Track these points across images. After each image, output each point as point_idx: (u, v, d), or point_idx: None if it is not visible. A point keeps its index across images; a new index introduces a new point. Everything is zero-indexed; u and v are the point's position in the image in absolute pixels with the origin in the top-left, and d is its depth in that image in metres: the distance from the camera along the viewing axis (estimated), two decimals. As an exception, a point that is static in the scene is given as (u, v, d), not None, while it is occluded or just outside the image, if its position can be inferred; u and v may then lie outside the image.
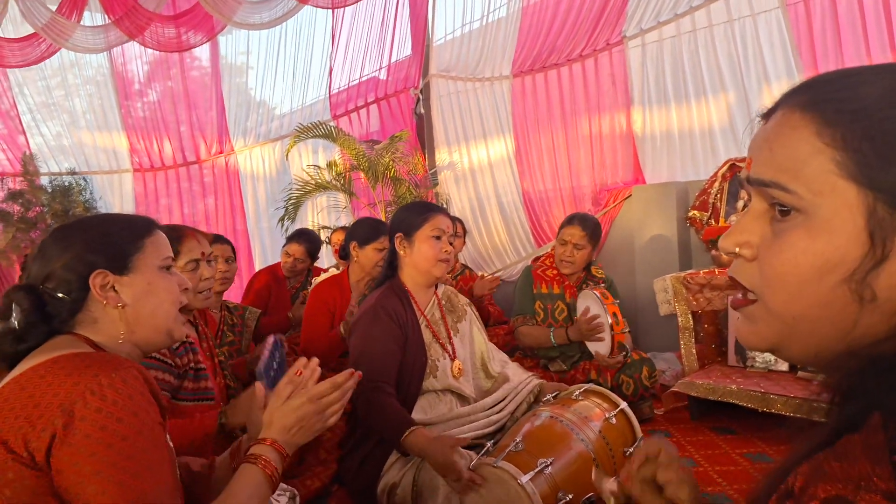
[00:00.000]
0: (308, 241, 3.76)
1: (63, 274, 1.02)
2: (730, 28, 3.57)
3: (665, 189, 3.78)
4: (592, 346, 2.72)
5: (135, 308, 1.05)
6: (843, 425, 0.47)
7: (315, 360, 1.23)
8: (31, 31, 5.18)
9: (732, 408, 2.59)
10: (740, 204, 3.36)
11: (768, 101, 0.60)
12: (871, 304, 0.48)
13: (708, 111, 3.71)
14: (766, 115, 0.56)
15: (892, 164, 0.46)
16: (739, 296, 0.57)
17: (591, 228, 2.92)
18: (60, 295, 1.02)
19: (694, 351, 2.95)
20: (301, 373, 1.19)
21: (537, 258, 3.20)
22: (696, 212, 3.57)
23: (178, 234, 1.82)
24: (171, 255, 1.15)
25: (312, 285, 3.40)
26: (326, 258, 5.32)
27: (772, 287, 0.52)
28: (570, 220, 2.96)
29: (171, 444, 1.10)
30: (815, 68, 3.23)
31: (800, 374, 2.57)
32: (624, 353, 2.68)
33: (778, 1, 3.34)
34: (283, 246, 3.75)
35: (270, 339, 2.01)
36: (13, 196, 5.71)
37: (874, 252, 0.47)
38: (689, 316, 2.97)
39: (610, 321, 2.55)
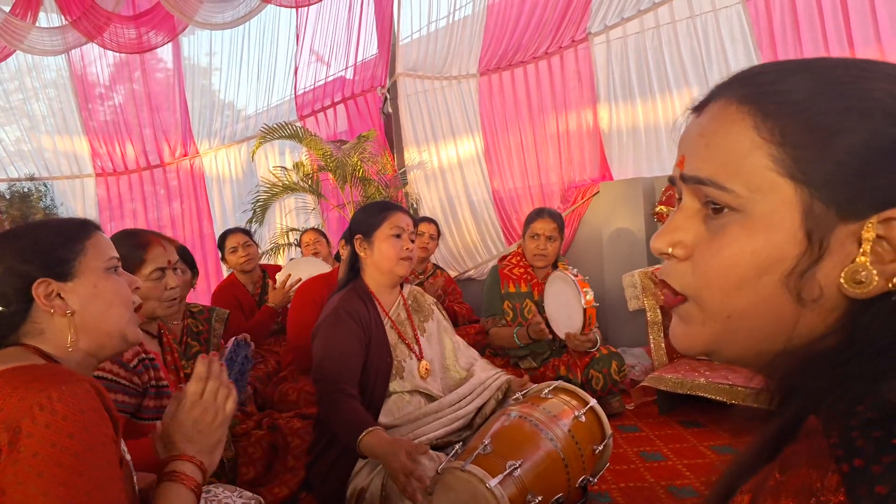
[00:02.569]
0: (240, 230, 3.54)
1: (0, 287, 0.98)
2: (692, 24, 3.60)
3: (632, 185, 3.81)
4: (562, 328, 2.72)
5: (83, 314, 1.01)
6: (785, 432, 0.46)
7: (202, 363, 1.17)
8: (-18, 32, 5.00)
9: (700, 401, 2.61)
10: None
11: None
12: (809, 302, 0.47)
13: (672, 106, 3.75)
14: (698, 109, 0.54)
15: (828, 159, 0.45)
16: (671, 293, 0.55)
17: (559, 221, 2.96)
18: (0, 308, 0.97)
19: (663, 345, 2.97)
20: (181, 388, 1.15)
21: (503, 258, 3.20)
22: (662, 207, 3.60)
23: (143, 242, 1.76)
24: (116, 255, 1.10)
25: (271, 285, 3.33)
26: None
27: (709, 287, 0.50)
28: (539, 214, 2.97)
29: (129, 457, 1.07)
30: (776, 62, 3.28)
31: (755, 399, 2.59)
32: (595, 336, 2.67)
33: (738, -4, 3.39)
34: (222, 251, 3.48)
35: (231, 341, 1.96)
36: (-31, 203, 5.55)
37: (811, 250, 0.46)
38: (658, 311, 2.99)
39: (581, 298, 2.56)
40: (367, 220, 2.06)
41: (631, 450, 2.39)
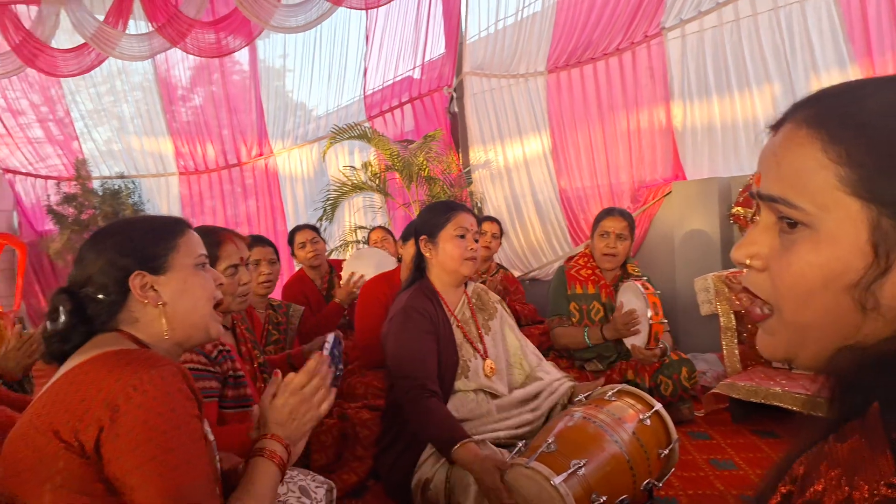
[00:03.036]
0: (308, 226, 3.69)
1: (100, 278, 1.06)
2: (775, 16, 3.43)
3: (707, 185, 3.67)
4: (628, 341, 2.65)
5: (173, 306, 1.08)
6: (844, 416, 0.49)
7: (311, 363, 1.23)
8: (81, 41, 5.39)
9: (776, 410, 2.49)
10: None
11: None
12: (874, 311, 0.50)
13: (752, 103, 3.58)
14: (775, 127, 0.58)
15: (894, 178, 0.48)
16: (758, 310, 0.59)
17: (630, 220, 2.89)
18: (100, 297, 1.06)
19: (736, 352, 2.85)
20: (278, 374, 1.22)
21: (570, 258, 3.14)
22: (739, 208, 3.45)
23: (217, 239, 1.83)
24: (205, 252, 1.17)
25: (337, 282, 3.43)
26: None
27: (783, 297, 0.55)
28: (608, 212, 2.91)
29: (212, 437, 1.14)
30: (870, 57, 3.06)
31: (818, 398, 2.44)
32: (663, 347, 2.60)
33: (827, -15, 3.20)
34: (291, 247, 3.63)
35: (330, 337, 2.03)
36: (67, 199, 5.98)
37: (878, 263, 0.49)
38: (732, 316, 2.87)
39: (649, 312, 2.49)
40: (431, 221, 2.09)
41: (700, 457, 2.31)
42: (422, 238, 2.10)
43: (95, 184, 6.21)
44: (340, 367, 1.79)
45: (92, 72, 5.95)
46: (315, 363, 1.21)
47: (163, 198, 6.64)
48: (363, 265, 3.35)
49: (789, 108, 0.57)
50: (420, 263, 2.16)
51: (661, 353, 2.62)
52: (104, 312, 1.06)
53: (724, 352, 2.89)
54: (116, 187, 6.15)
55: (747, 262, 0.58)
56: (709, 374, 3.07)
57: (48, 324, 1.07)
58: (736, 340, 2.87)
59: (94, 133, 6.51)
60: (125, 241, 1.09)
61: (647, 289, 2.56)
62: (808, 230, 0.52)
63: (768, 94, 3.51)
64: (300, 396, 1.17)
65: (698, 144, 3.85)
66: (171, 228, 1.14)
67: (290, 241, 3.66)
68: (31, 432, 0.91)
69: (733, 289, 2.86)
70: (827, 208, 0.50)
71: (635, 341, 2.60)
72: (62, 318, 1.05)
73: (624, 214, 2.88)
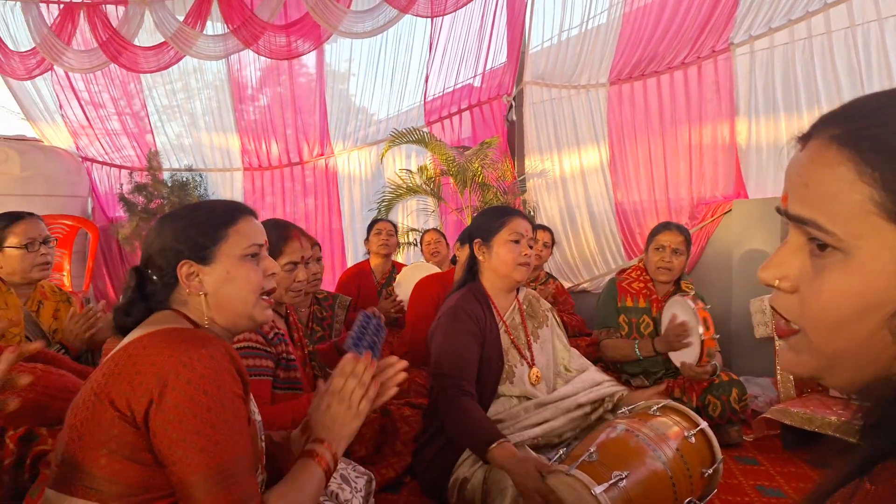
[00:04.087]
0: (390, 221, 3.95)
1: (158, 259, 1.13)
2: (851, 34, 3.31)
3: (769, 204, 3.56)
4: (678, 357, 2.61)
5: (215, 296, 1.13)
6: (878, 454, 0.47)
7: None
8: (161, 40, 5.70)
9: (831, 441, 2.40)
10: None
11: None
12: None
13: (821, 123, 3.46)
14: (803, 140, 0.55)
15: None
16: (783, 324, 0.56)
17: (687, 234, 2.85)
18: (155, 278, 1.14)
19: (791, 378, 2.76)
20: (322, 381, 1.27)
21: (622, 271, 3.11)
22: (802, 230, 3.34)
23: (285, 234, 1.92)
24: (260, 241, 1.18)
25: (397, 281, 3.51)
26: (413, 262, 5.44)
27: (812, 323, 0.52)
28: (665, 226, 2.88)
29: (258, 418, 1.19)
30: (952, 78, 2.93)
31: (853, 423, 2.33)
32: (714, 366, 2.54)
33: (909, 4, 3.07)
34: (369, 232, 3.88)
35: (362, 314, 2.08)
36: (138, 189, 6.26)
37: None
38: (788, 340, 2.78)
39: (700, 329, 2.45)
40: (486, 225, 2.10)
41: (747, 482, 2.24)
42: (476, 241, 2.12)
43: (165, 175, 6.45)
44: (378, 343, 1.81)
45: (169, 69, 6.33)
46: (348, 364, 1.24)
47: (227, 191, 6.90)
48: (407, 287, 3.38)
49: (816, 122, 0.54)
50: (473, 266, 2.17)
51: (712, 371, 2.57)
52: (159, 292, 1.13)
53: (779, 377, 2.79)
54: (184, 179, 6.42)
55: (776, 283, 0.55)
56: (761, 398, 2.97)
57: (121, 297, 1.16)
58: (792, 366, 2.77)
59: (167, 127, 6.82)
60: (182, 227, 1.13)
61: (696, 304, 2.53)
62: (839, 254, 0.49)
63: (840, 114, 3.39)
64: (338, 398, 1.20)
65: (763, 163, 3.75)
66: (226, 217, 1.16)
67: (369, 228, 3.91)
68: (92, 399, 0.97)
69: (772, 310, 2.76)
70: (861, 235, 0.47)
71: (685, 358, 2.56)
72: (126, 292, 1.14)
73: (681, 229, 2.84)
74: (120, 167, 6.78)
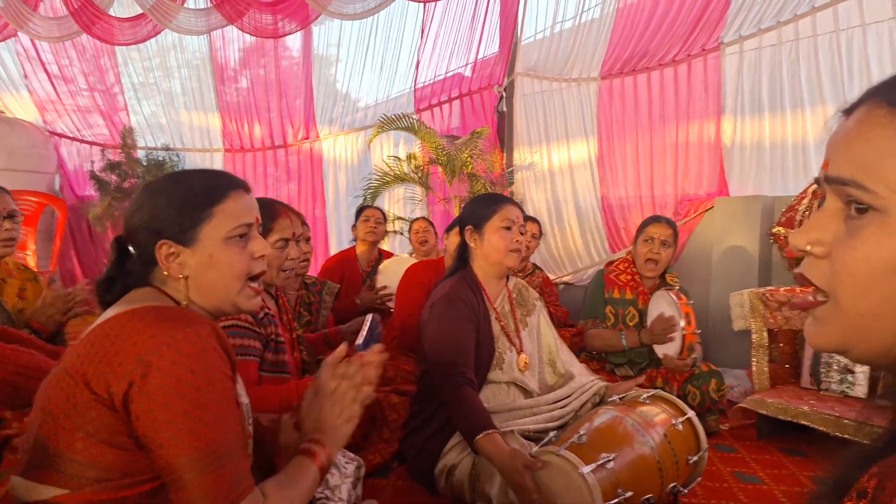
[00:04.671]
0: (379, 209, 3.90)
1: (139, 234, 1.05)
2: (835, 38, 3.40)
3: (750, 202, 3.66)
4: (661, 349, 2.68)
5: (195, 279, 1.05)
6: None
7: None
8: (138, 11, 5.50)
9: (802, 431, 2.50)
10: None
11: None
12: None
13: (804, 124, 3.56)
14: (848, 111, 0.55)
15: None
16: (809, 297, 0.56)
17: (675, 228, 2.92)
18: (134, 253, 1.06)
19: (766, 369, 2.86)
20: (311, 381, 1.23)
21: (611, 262, 3.18)
22: (780, 228, 3.43)
23: (272, 212, 1.85)
24: (249, 220, 1.10)
25: (380, 269, 3.52)
26: (399, 250, 5.45)
27: (842, 284, 0.51)
28: (655, 219, 2.94)
29: (246, 400, 1.16)
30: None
31: (878, 401, 2.43)
32: (693, 359, 2.62)
33: (893, 11, 3.16)
34: (357, 218, 3.83)
35: (369, 317, 2.08)
36: (111, 167, 6.06)
37: None
38: (765, 333, 2.87)
39: (682, 322, 2.52)
40: (478, 212, 2.11)
41: (725, 469, 2.33)
42: (467, 228, 2.12)
43: (140, 154, 6.28)
44: (378, 342, 1.84)
45: (145, 45, 6.13)
46: (340, 367, 1.21)
47: (206, 174, 6.79)
48: (392, 278, 3.36)
49: (865, 92, 0.54)
50: (464, 253, 2.18)
51: (692, 364, 2.65)
52: (139, 270, 1.06)
53: (754, 368, 2.89)
54: (161, 158, 6.24)
55: (808, 248, 0.55)
56: (737, 389, 3.07)
57: (105, 270, 1.09)
58: (767, 358, 2.87)
59: (144, 104, 6.64)
60: (162, 204, 1.04)
61: (680, 299, 2.60)
62: (878, 215, 0.49)
63: (821, 117, 3.49)
64: (330, 401, 1.17)
65: (745, 162, 3.84)
66: (211, 195, 1.06)
67: (357, 214, 3.86)
68: (66, 379, 0.91)
69: (769, 306, 2.86)
70: None
71: (668, 350, 2.63)
72: (107, 266, 1.08)
73: (669, 223, 2.91)
74: (91, 143, 6.59)
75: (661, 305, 2.71)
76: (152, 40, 6.19)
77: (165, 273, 1.03)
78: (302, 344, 2.20)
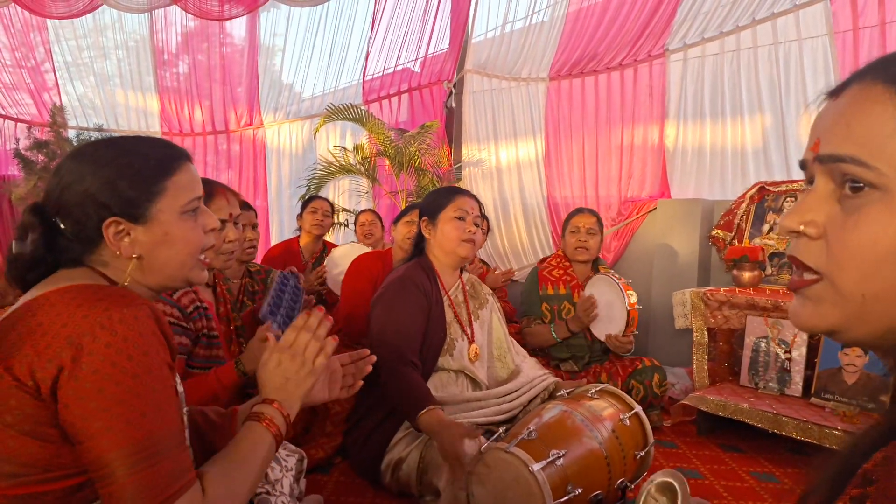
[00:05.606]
0: (327, 200, 3.83)
1: (76, 211, 0.93)
2: (774, 51, 3.54)
3: (691, 205, 3.77)
4: (602, 331, 2.73)
5: (149, 258, 0.97)
6: None
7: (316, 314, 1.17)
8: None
9: (740, 427, 2.58)
10: (766, 227, 3.34)
11: (805, 127, 0.58)
12: None
13: (742, 131, 3.69)
14: (835, 93, 0.55)
15: None
16: (797, 276, 0.55)
17: (598, 217, 3.05)
18: (66, 229, 0.94)
19: (706, 367, 2.94)
20: (270, 338, 1.14)
21: (543, 259, 3.23)
22: (719, 231, 3.55)
23: (209, 191, 1.73)
24: (199, 194, 1.03)
25: (329, 256, 3.42)
26: (344, 242, 5.34)
27: (843, 266, 0.50)
28: (578, 210, 3.07)
29: (181, 389, 1.08)
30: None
31: (812, 400, 2.55)
32: (636, 334, 2.69)
33: (826, 28, 3.32)
34: (304, 208, 3.74)
35: (277, 277, 1.96)
36: (38, 145, 5.71)
37: None
38: (705, 332, 2.96)
39: (626, 299, 2.60)
40: (434, 203, 2.13)
41: (668, 464, 2.37)
42: (423, 219, 2.14)
43: (71, 133, 5.97)
44: (297, 302, 1.72)
45: (80, 22, 5.79)
46: (300, 318, 1.14)
47: (142, 157, 6.47)
48: (342, 263, 3.29)
49: (853, 74, 0.53)
50: (420, 243, 2.19)
51: (632, 346, 2.71)
52: (73, 248, 0.95)
53: (695, 366, 2.97)
54: (93, 139, 5.95)
55: (800, 228, 0.54)
56: (677, 386, 3.15)
57: (14, 244, 0.96)
58: (706, 356, 2.96)
59: (77, 82, 6.33)
60: (110, 177, 0.93)
61: (619, 279, 2.70)
62: (878, 193, 0.48)
63: (759, 125, 3.63)
64: (289, 353, 1.10)
65: (687, 166, 3.95)
66: (164, 166, 0.98)
67: (304, 205, 3.77)
68: None
69: (710, 306, 2.95)
70: None
71: (610, 330, 2.68)
72: (29, 242, 0.94)
73: (592, 212, 3.05)
74: (17, 120, 6.20)
75: (600, 287, 2.77)
76: (88, 18, 5.86)
77: (117, 253, 0.94)
78: (242, 336, 2.10)
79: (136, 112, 6.41)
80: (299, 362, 1.11)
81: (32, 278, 0.93)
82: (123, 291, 0.90)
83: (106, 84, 6.34)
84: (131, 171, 0.95)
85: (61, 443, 0.83)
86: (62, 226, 0.94)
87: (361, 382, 1.28)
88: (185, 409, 1.07)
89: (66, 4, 5.34)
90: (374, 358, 1.31)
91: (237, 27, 6.16)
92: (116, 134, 6.18)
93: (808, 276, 0.54)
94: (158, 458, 0.83)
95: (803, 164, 0.57)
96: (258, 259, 3.88)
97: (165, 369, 0.88)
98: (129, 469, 0.81)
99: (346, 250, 3.34)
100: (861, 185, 0.49)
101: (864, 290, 0.49)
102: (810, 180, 0.56)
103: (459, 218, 2.07)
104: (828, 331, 0.54)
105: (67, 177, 0.94)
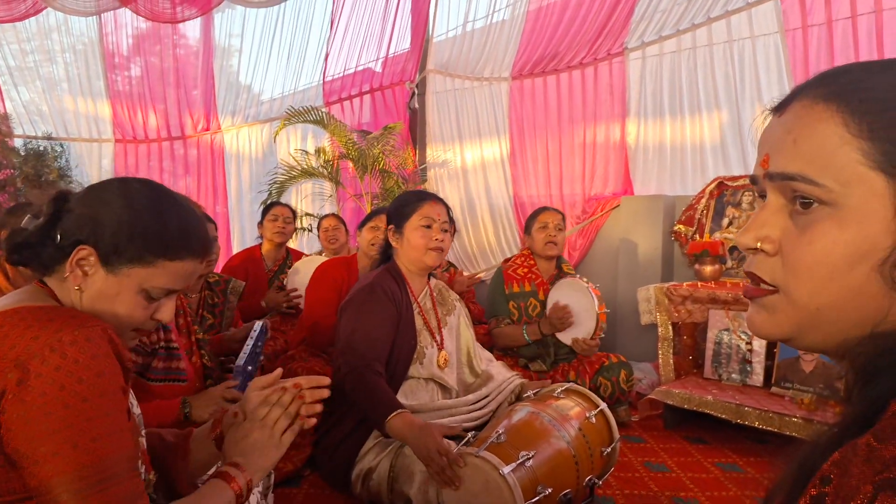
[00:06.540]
0: (288, 206, 3.74)
1: (75, 222, 0.94)
2: (729, 48, 3.62)
3: (653, 202, 3.82)
4: (569, 335, 2.76)
5: (89, 299, 0.95)
6: (869, 411, 0.46)
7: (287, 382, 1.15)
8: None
9: (705, 419, 2.63)
10: (725, 221, 3.41)
11: (760, 122, 0.60)
12: None
13: (701, 128, 3.76)
14: (778, 109, 0.56)
15: None
16: (752, 286, 0.56)
17: (563, 214, 3.09)
18: (60, 235, 0.95)
19: (671, 361, 2.99)
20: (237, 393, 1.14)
21: (508, 259, 3.23)
22: (681, 226, 3.61)
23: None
24: (178, 287, 1.02)
25: (294, 268, 3.35)
26: (307, 247, 5.25)
27: (799, 279, 0.52)
28: (544, 208, 3.09)
29: (138, 411, 1.06)
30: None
31: (773, 389, 2.61)
32: (602, 337, 2.74)
33: (777, 26, 3.40)
34: (264, 216, 3.63)
35: (257, 326, 1.96)
36: (-19, 156, 5.50)
37: None
38: (670, 326, 3.00)
39: (596, 304, 2.65)
40: (399, 211, 2.09)
41: (636, 459, 2.39)
42: (389, 228, 2.10)
43: (17, 142, 5.74)
44: (259, 352, 1.76)
45: (23, 25, 5.56)
46: (274, 394, 1.12)
47: (94, 165, 6.25)
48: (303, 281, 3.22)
49: (794, 90, 0.55)
50: (387, 250, 2.16)
51: (599, 344, 2.77)
52: (50, 252, 0.95)
53: (660, 361, 3.01)
54: (41, 148, 5.72)
55: (757, 245, 0.55)
56: (644, 381, 3.19)
57: (27, 219, 0.97)
58: (672, 351, 3.00)
59: (22, 89, 6.08)
60: (127, 219, 0.94)
61: (589, 283, 2.73)
62: (827, 209, 0.50)
63: (717, 121, 3.70)
64: (259, 426, 1.09)
65: (648, 162, 4.01)
66: (172, 247, 0.98)
67: (265, 212, 3.67)
68: None
69: (673, 300, 2.99)
70: (850, 185, 0.49)
71: (577, 334, 2.71)
72: (34, 224, 0.95)
73: (556, 210, 3.08)
74: (-45, 129, 5.91)
75: (568, 291, 2.79)
76: (31, 21, 5.64)
77: (66, 275, 0.93)
78: (203, 348, 2.05)
79: (87, 118, 6.19)
80: (268, 435, 1.09)
81: (17, 260, 0.95)
82: (75, 312, 0.89)
83: (53, 89, 6.11)
84: (142, 229, 0.95)
85: (7, 467, 0.80)
86: (55, 231, 0.95)
87: (321, 407, 1.24)
88: (143, 432, 1.06)
89: (6, 8, 5.13)
90: (327, 393, 1.23)
91: (191, 28, 6.00)
92: (67, 142, 6.02)
93: (763, 286, 0.55)
94: (108, 483, 0.81)
95: (754, 180, 0.58)
96: (219, 267, 3.80)
97: (118, 392, 0.86)
98: (74, 495, 0.78)
99: (305, 267, 3.28)
100: (811, 201, 0.51)
101: (818, 301, 0.51)
102: (762, 195, 0.57)
103: (426, 226, 2.04)
104: (782, 338, 0.56)
105: (102, 193, 0.97)
